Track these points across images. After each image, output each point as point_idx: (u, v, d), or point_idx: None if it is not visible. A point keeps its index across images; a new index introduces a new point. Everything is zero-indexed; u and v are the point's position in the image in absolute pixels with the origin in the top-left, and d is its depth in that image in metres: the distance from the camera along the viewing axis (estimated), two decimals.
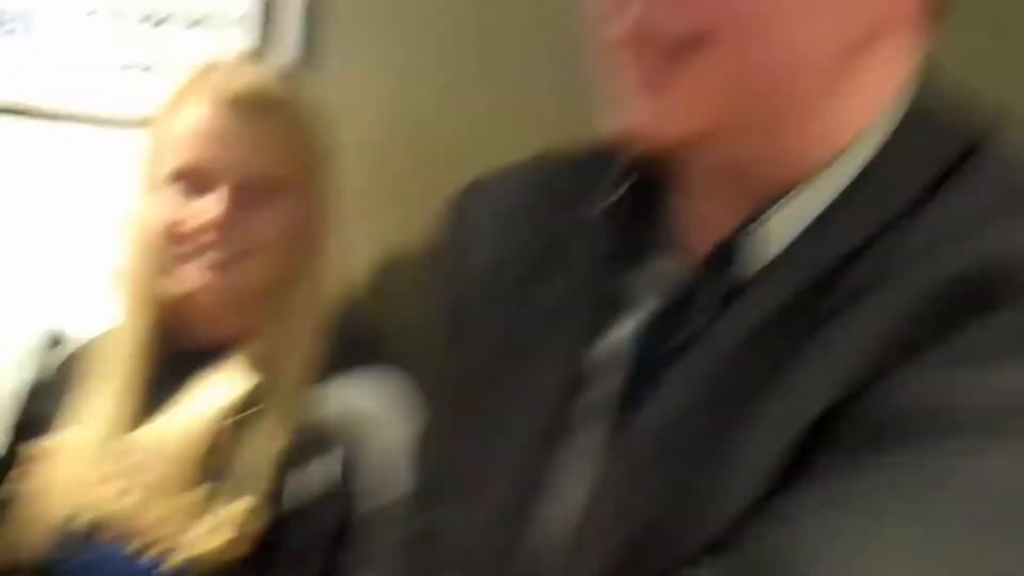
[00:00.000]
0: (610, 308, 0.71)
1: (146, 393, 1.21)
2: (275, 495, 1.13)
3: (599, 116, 0.67)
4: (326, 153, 1.23)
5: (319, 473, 1.14)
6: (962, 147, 0.64)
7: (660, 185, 0.71)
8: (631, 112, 0.64)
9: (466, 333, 0.79)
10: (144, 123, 1.26)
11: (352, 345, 1.22)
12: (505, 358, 0.76)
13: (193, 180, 1.18)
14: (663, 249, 0.71)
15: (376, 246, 1.36)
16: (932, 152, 0.64)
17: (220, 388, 1.19)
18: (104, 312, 1.28)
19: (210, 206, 1.17)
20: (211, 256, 1.18)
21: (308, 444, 1.14)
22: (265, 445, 1.14)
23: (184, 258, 1.19)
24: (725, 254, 0.66)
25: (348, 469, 1.14)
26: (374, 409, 1.17)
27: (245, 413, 1.16)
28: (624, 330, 0.70)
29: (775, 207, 0.64)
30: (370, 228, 1.32)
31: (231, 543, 1.11)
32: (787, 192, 0.65)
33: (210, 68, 1.22)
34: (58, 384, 1.27)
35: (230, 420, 1.16)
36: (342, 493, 1.14)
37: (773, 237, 0.65)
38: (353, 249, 1.27)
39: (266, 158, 1.19)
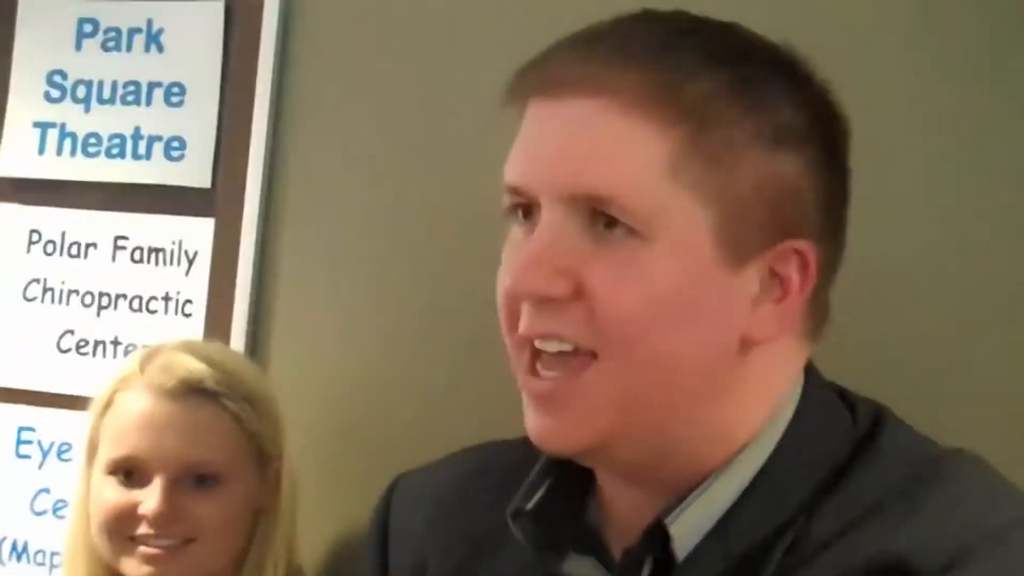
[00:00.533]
0: None
1: None
2: None
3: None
4: (273, 437, 1.22)
5: None
6: (852, 444, 0.72)
7: (581, 480, 0.76)
8: (532, 422, 0.70)
9: None
10: (84, 404, 1.26)
11: None
12: None
13: (131, 470, 1.18)
14: (586, 543, 0.75)
15: (323, 529, 1.35)
16: (825, 449, 0.72)
17: None
18: None
19: (147, 499, 1.16)
20: (153, 547, 1.16)
21: None
22: None
23: (128, 547, 1.17)
24: (646, 547, 0.71)
25: None
26: None
27: None
28: None
29: (685, 503, 0.70)
30: (318, 510, 1.31)
31: None
32: (695, 485, 0.71)
33: (149, 354, 1.22)
34: None
35: None
36: None
37: (690, 529, 0.70)
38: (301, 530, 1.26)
39: (203, 448, 1.18)
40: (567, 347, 0.69)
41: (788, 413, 0.74)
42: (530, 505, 0.76)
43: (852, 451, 0.72)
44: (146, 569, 1.17)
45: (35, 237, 1.50)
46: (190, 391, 1.17)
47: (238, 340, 1.39)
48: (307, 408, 1.34)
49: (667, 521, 0.70)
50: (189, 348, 1.23)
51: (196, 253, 1.43)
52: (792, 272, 0.71)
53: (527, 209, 0.72)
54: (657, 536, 0.71)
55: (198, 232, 1.43)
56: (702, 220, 0.69)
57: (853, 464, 0.71)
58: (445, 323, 1.32)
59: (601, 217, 0.69)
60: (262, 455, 1.21)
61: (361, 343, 1.37)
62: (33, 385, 1.48)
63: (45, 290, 1.49)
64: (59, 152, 1.49)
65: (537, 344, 0.70)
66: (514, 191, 0.73)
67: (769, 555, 0.69)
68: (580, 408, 0.69)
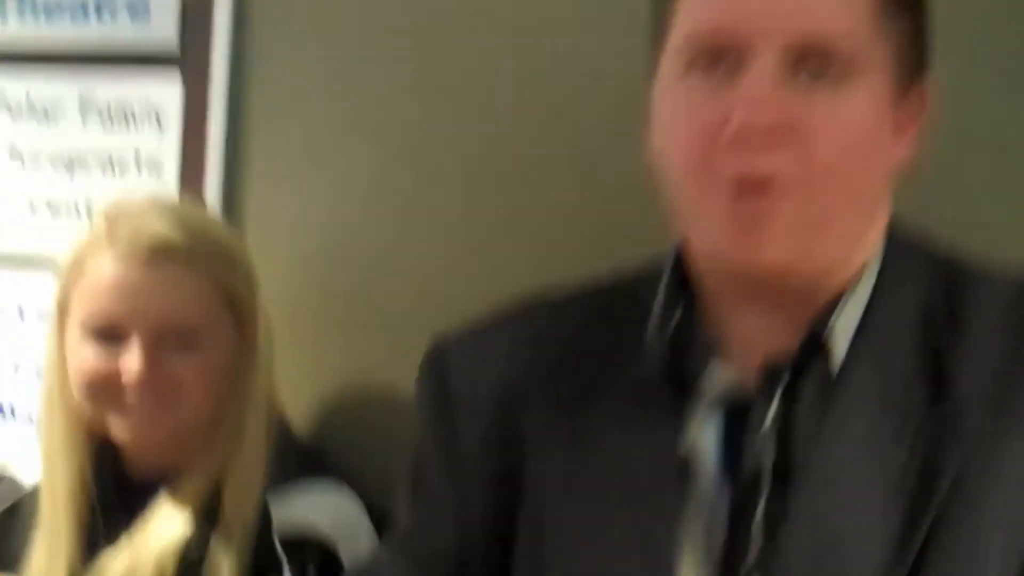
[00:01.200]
0: (680, 408, 0.80)
1: (89, 535, 1.20)
2: None
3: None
4: (247, 293, 1.22)
5: None
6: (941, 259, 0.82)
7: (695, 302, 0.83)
8: (738, 242, 0.75)
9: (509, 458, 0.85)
10: (55, 264, 1.25)
11: (295, 459, 1.22)
12: (587, 468, 0.82)
13: (108, 331, 1.17)
14: (707, 356, 0.81)
15: (302, 379, 1.36)
16: (923, 259, 0.82)
17: (166, 522, 1.17)
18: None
19: (127, 360, 1.16)
20: (135, 407, 1.16)
21: (262, 566, 1.13)
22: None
23: (109, 408, 1.18)
24: (808, 352, 0.78)
25: None
26: (322, 524, 1.16)
27: (194, 547, 1.15)
28: (708, 427, 0.80)
29: (836, 314, 0.78)
30: (295, 361, 1.32)
31: None
32: (834, 301, 0.78)
33: (115, 216, 1.20)
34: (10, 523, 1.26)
35: (180, 555, 1.15)
36: None
37: (839, 337, 0.78)
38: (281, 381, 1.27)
39: (179, 308, 1.17)
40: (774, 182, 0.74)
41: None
42: (669, 333, 0.82)
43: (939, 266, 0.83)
44: (129, 428, 1.18)
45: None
46: (161, 253, 1.17)
47: (212, 197, 1.39)
48: (282, 264, 1.35)
49: (829, 330, 0.78)
50: (157, 208, 1.21)
51: (165, 111, 1.42)
52: (918, 109, 0.80)
53: (715, 57, 0.75)
54: (808, 350, 0.79)
55: (167, 90, 1.42)
56: (887, 63, 0.76)
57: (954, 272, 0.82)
58: (424, 181, 1.32)
59: (807, 64, 0.74)
60: (238, 311, 1.21)
61: (336, 199, 1.37)
62: (7, 248, 1.49)
63: (14, 155, 1.49)
64: (20, 16, 1.48)
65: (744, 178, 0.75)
66: (718, 34, 0.75)
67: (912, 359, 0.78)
68: (786, 230, 0.75)
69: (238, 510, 1.17)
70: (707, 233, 0.78)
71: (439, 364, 0.92)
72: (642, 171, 0.84)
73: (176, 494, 1.19)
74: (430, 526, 0.90)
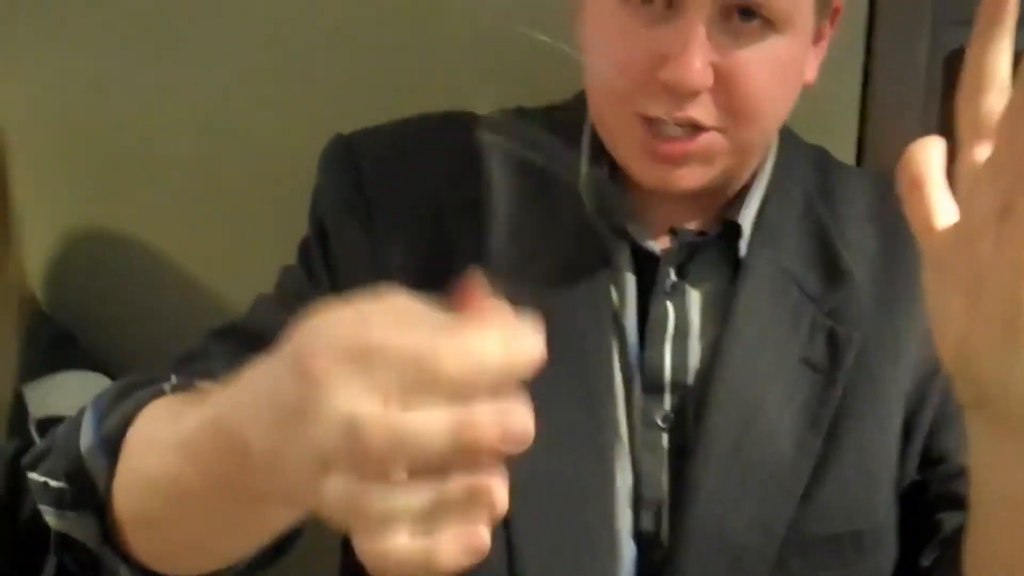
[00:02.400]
0: (610, 257, 0.86)
1: None
2: None
3: None
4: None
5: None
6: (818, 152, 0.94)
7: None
8: (657, 174, 0.80)
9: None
10: None
11: (49, 347, 1.18)
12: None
13: None
14: (627, 217, 0.86)
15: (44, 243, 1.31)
16: (800, 147, 0.92)
17: None
18: None
19: None
20: None
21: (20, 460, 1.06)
22: None
23: None
24: (727, 231, 0.86)
25: None
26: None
27: None
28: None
29: (745, 203, 0.86)
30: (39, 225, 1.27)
31: None
32: (742, 191, 0.87)
33: None
34: None
35: None
36: None
37: (746, 221, 0.86)
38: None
39: None
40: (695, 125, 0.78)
41: None
42: (601, 172, 0.86)
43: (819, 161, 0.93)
44: None
45: None
46: None
47: None
48: (24, 130, 1.22)
49: (739, 220, 0.86)
50: None
51: None
52: (828, 23, 0.84)
53: None
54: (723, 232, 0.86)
55: None
56: (812, 6, 0.79)
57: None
58: (164, 26, 1.23)
59: (737, 11, 0.76)
60: None
61: (77, 55, 1.27)
62: None
63: None
64: None
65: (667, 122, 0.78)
66: None
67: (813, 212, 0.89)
68: (702, 163, 0.80)
69: None
70: (624, 154, 0.83)
71: (346, 153, 0.90)
72: None
73: None
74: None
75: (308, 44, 1.17)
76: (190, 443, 0.57)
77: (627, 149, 0.82)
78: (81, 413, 0.74)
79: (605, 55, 0.79)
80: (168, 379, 0.73)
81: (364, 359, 0.44)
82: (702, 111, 0.77)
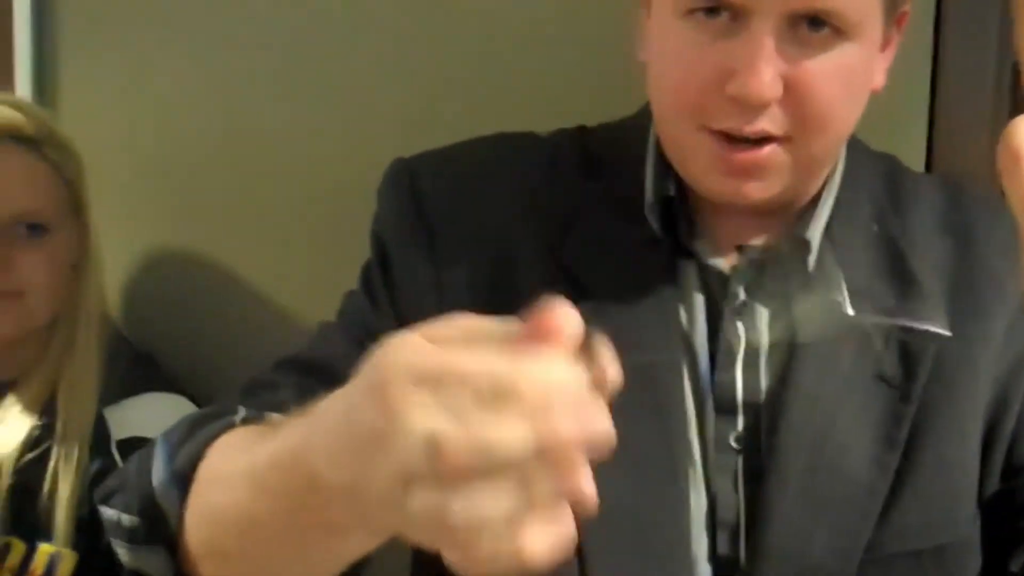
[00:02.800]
0: (676, 274, 0.84)
1: None
2: (83, 538, 1.10)
3: None
4: (84, 185, 1.19)
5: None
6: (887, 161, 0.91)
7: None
8: (731, 187, 0.79)
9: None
10: None
11: (128, 369, 1.21)
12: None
13: None
14: (693, 236, 0.85)
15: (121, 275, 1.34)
16: (867, 155, 0.89)
17: (2, 430, 1.15)
18: None
19: None
20: None
21: (101, 477, 1.09)
22: (60, 487, 1.12)
23: None
24: (796, 247, 0.84)
25: None
26: (160, 431, 1.12)
27: (34, 453, 1.14)
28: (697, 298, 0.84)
29: (813, 217, 0.84)
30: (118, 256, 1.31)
31: None
32: (810, 205, 0.85)
33: None
34: None
35: (16, 463, 1.13)
36: None
37: (814, 235, 0.84)
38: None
39: (30, 196, 1.14)
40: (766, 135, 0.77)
41: None
42: (666, 189, 0.85)
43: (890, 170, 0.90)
44: None
45: None
46: (7, 139, 1.13)
47: (23, 89, 1.33)
48: (100, 156, 1.29)
49: (807, 235, 0.84)
50: None
51: None
52: (896, 28, 0.82)
53: (716, 6, 0.75)
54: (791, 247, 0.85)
55: None
56: (880, 14, 0.78)
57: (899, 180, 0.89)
58: (235, 55, 1.27)
59: (806, 21, 0.74)
60: (77, 204, 1.18)
61: (151, 83, 1.31)
62: None
63: None
64: None
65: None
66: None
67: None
68: (774, 173, 0.78)
69: (73, 418, 1.14)
70: (693, 169, 0.81)
71: (406, 177, 0.90)
72: None
73: (12, 401, 1.16)
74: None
75: (371, 70, 1.19)
76: (262, 476, 0.57)
77: (696, 163, 0.80)
78: (152, 447, 0.75)
79: (672, 70, 0.78)
80: (236, 411, 0.73)
81: (439, 381, 0.44)
82: (772, 123, 0.76)
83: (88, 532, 1.11)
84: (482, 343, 0.46)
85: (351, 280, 0.90)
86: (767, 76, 0.73)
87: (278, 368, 0.84)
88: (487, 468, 0.44)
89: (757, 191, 0.79)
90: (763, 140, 0.77)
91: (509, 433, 0.43)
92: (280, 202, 1.24)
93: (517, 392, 0.44)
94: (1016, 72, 1.04)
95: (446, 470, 0.44)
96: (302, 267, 1.25)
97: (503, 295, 0.78)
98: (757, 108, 0.75)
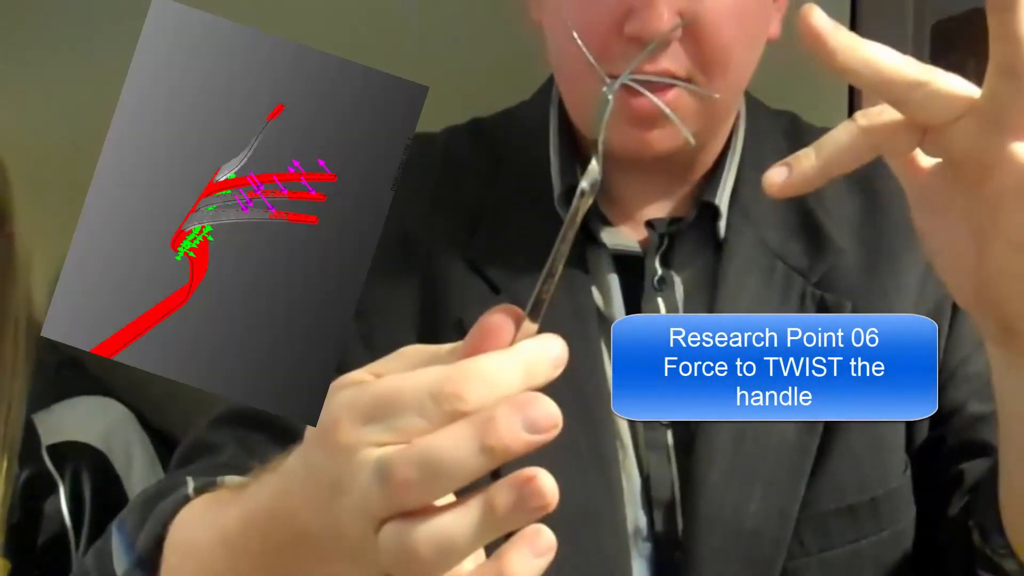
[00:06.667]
0: (587, 262, 0.84)
1: None
2: (15, 545, 1.09)
3: None
4: (5, 192, 1.16)
5: (49, 515, 1.11)
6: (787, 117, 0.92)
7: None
8: (631, 136, 0.78)
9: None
10: None
11: (56, 373, 1.18)
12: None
13: None
14: (599, 219, 0.85)
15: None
16: (774, 119, 0.90)
17: None
18: None
19: None
20: None
21: (34, 486, 1.10)
22: None
23: None
24: (706, 211, 0.84)
25: (75, 504, 1.11)
26: (92, 436, 1.13)
27: None
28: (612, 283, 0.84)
29: (722, 178, 0.85)
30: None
31: None
32: (715, 166, 0.86)
33: None
34: None
35: None
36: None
37: (723, 199, 0.84)
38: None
39: None
40: (668, 78, 0.77)
41: None
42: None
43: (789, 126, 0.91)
44: None
45: None
46: None
47: None
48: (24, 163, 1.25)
49: (716, 200, 0.84)
50: None
51: None
52: None
53: None
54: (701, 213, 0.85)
55: None
56: None
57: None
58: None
59: None
60: (2, 215, 1.15)
61: (66, 84, 1.29)
62: None
63: None
64: None
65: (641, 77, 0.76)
66: None
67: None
68: (671, 125, 0.78)
69: (1, 426, 1.11)
70: (595, 120, 0.78)
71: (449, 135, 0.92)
72: None
73: None
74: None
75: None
76: (238, 539, 0.55)
77: (597, 112, 0.80)
78: (107, 539, 0.72)
79: (567, 18, 0.77)
80: (184, 483, 0.70)
81: (384, 409, 0.44)
82: (673, 61, 0.76)
83: (20, 539, 1.09)
84: (423, 364, 0.45)
85: None
86: (664, 12, 0.73)
87: (212, 428, 0.82)
88: (436, 479, 0.42)
89: (660, 142, 0.78)
90: (666, 87, 0.77)
91: (451, 439, 0.42)
92: None
93: (459, 397, 0.42)
94: (935, 37, 1.06)
95: (397, 491, 0.42)
96: None
97: (429, 303, 0.82)
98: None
